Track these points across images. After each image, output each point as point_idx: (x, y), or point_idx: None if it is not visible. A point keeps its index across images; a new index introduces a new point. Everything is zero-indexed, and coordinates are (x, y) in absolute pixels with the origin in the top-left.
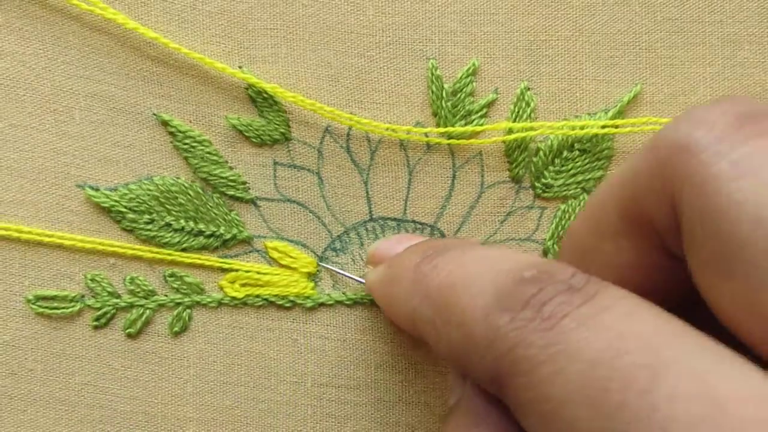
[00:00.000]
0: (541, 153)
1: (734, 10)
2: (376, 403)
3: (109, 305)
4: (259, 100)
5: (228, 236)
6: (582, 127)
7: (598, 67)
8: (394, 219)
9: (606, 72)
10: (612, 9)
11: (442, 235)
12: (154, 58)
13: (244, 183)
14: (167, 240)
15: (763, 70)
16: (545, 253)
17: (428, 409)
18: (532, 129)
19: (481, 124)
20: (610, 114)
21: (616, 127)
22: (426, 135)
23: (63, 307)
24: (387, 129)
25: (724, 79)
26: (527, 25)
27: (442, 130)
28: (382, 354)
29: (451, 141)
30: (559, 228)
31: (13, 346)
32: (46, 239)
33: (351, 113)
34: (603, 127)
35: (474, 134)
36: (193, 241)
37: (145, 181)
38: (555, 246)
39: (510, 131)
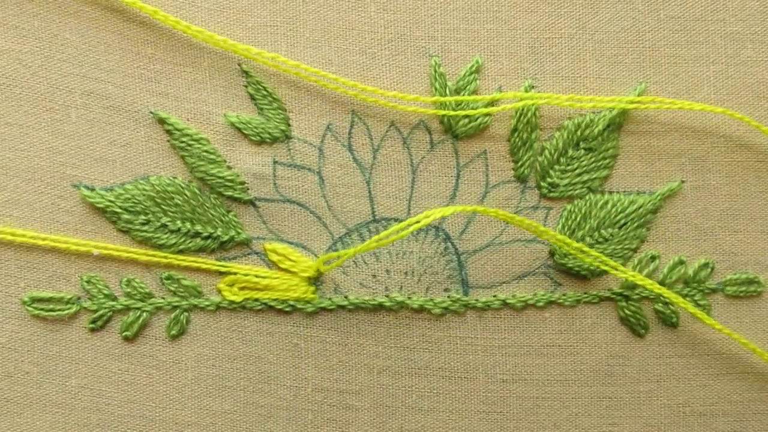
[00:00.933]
0: (546, 152)
1: (737, 8)
2: (379, 409)
3: (106, 308)
4: (259, 97)
5: (225, 238)
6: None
7: (602, 65)
8: (398, 220)
9: (610, 70)
10: (615, 7)
11: (448, 238)
12: (151, 55)
13: (242, 183)
14: (163, 241)
15: (766, 68)
16: (552, 253)
17: (432, 414)
18: (540, 99)
19: (485, 123)
20: (615, 112)
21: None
22: (441, 106)
23: (59, 309)
24: (393, 97)
25: (727, 78)
26: (530, 22)
27: (451, 99)
28: (384, 358)
29: (467, 112)
30: (566, 228)
31: (8, 348)
32: (40, 242)
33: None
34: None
35: (483, 127)
36: (189, 242)
37: (141, 181)
38: (561, 246)
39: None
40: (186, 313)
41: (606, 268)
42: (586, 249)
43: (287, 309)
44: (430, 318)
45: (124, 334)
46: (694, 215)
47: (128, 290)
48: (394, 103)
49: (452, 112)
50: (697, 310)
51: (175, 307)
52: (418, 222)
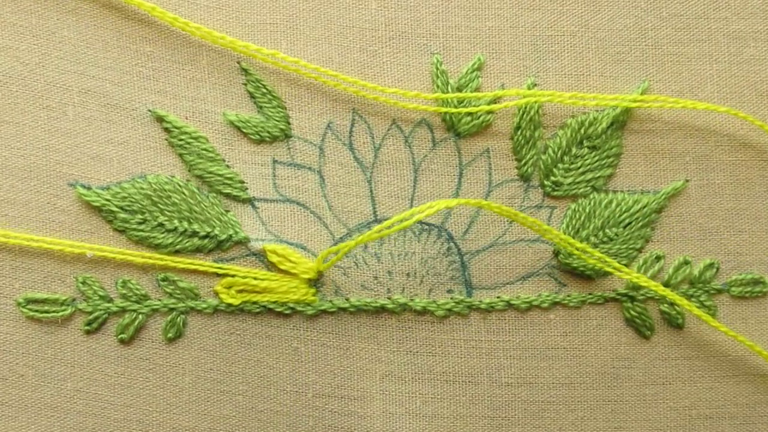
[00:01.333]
0: (549, 150)
1: (739, 7)
2: (381, 415)
3: (101, 309)
4: (258, 95)
5: (223, 237)
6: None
7: (604, 63)
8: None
9: (612, 68)
10: (618, 5)
11: (450, 238)
12: (150, 53)
13: (241, 182)
14: (160, 241)
15: None
16: (556, 253)
17: (436, 419)
18: (542, 96)
19: (488, 120)
20: (618, 110)
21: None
22: (443, 103)
23: (54, 311)
24: (394, 93)
25: (730, 76)
26: (533, 20)
27: (454, 96)
28: (386, 363)
29: (466, 110)
30: (570, 228)
31: (3, 350)
32: (34, 244)
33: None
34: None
35: (485, 125)
36: (186, 242)
37: (139, 180)
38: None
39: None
40: (183, 316)
41: (609, 269)
42: (589, 249)
43: (287, 312)
44: (433, 320)
45: (119, 336)
46: (699, 215)
47: (124, 292)
48: (395, 100)
49: (454, 110)
50: (702, 312)
51: (172, 309)
52: (421, 212)
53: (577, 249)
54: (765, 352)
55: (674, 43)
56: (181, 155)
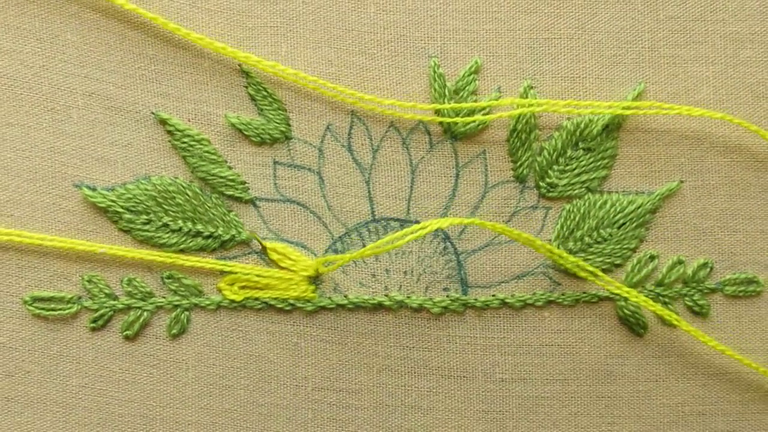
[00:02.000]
0: (545, 152)
1: (736, 8)
2: (378, 408)
3: (107, 307)
4: (259, 98)
5: (226, 237)
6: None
7: (601, 66)
8: (397, 219)
9: (609, 70)
10: (614, 7)
11: (447, 237)
12: (153, 56)
13: (243, 183)
14: (164, 241)
15: (766, 68)
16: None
17: (431, 413)
18: (537, 105)
19: (484, 123)
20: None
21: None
22: (439, 114)
23: (60, 309)
24: (391, 105)
25: (726, 78)
26: (529, 23)
27: (449, 106)
28: (383, 357)
29: (461, 119)
30: (564, 228)
31: (9, 347)
32: (39, 242)
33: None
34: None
35: (482, 128)
36: (191, 242)
37: (143, 181)
38: (560, 246)
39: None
40: (187, 312)
41: (601, 284)
42: (581, 263)
43: (287, 308)
44: (429, 317)
45: (125, 333)
46: (693, 215)
47: (129, 289)
48: (392, 110)
49: (449, 119)
50: (692, 328)
51: (176, 306)
52: (413, 233)
53: (570, 263)
54: (743, 358)
55: (670, 45)
56: (184, 157)
